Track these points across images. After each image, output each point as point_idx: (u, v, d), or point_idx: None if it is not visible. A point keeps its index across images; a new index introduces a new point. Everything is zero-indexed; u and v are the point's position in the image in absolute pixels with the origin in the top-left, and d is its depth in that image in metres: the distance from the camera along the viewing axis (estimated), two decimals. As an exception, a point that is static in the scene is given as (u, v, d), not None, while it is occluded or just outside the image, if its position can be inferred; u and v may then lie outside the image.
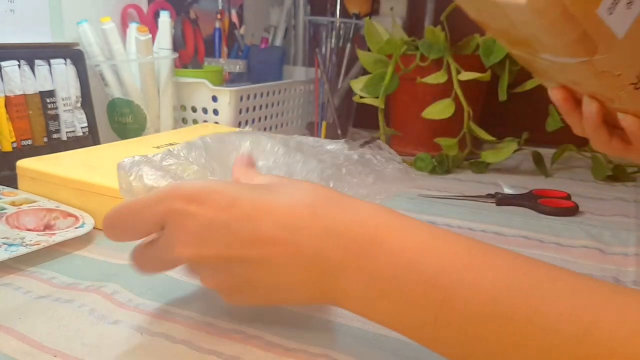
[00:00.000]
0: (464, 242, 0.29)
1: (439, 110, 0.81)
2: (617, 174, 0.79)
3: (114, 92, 0.80)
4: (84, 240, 0.51)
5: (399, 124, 0.92)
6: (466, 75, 0.80)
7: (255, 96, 0.91)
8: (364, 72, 0.90)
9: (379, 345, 0.36)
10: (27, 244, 0.46)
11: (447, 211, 0.64)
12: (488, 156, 0.81)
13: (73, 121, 0.73)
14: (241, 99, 0.87)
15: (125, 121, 0.80)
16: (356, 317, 0.33)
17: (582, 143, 0.76)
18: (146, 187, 0.35)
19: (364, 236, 0.30)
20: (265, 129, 0.95)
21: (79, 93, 0.73)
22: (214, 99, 0.86)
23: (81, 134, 0.74)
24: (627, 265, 0.50)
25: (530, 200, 0.66)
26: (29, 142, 0.68)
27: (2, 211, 0.52)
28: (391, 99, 0.91)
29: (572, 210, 0.64)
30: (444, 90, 0.82)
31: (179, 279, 0.44)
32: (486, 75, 0.81)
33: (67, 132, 0.72)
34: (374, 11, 1.07)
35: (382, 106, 0.84)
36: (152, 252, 0.35)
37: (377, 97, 0.84)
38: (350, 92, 0.94)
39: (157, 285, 0.43)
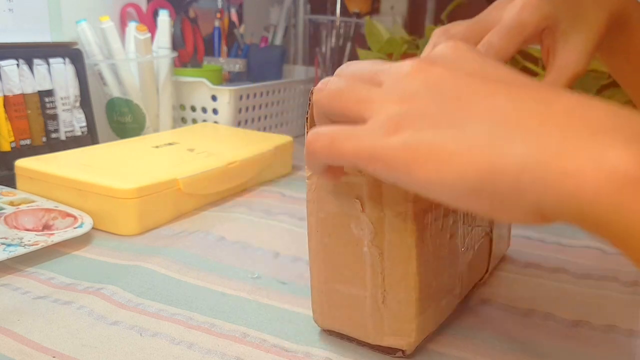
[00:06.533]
0: None
1: (439, 109, 0.81)
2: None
3: (112, 91, 0.79)
4: (82, 240, 0.51)
5: (399, 123, 0.92)
6: (466, 74, 0.80)
7: (254, 95, 0.90)
8: (364, 71, 0.89)
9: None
10: (25, 244, 0.45)
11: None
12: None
13: (72, 121, 0.73)
14: (241, 98, 0.87)
15: (124, 120, 0.80)
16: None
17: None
18: None
19: None
20: (264, 129, 0.95)
21: (77, 92, 0.73)
22: (214, 98, 0.85)
23: (80, 133, 0.74)
24: (628, 265, 0.50)
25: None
26: (28, 141, 0.67)
27: (1, 211, 0.51)
28: (391, 98, 0.91)
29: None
30: (444, 90, 0.82)
31: (179, 279, 0.44)
32: (486, 74, 0.80)
33: (65, 132, 0.72)
34: (374, 10, 1.07)
35: (382, 105, 0.84)
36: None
37: (377, 96, 0.83)
38: (350, 91, 0.94)
39: (157, 285, 0.43)
